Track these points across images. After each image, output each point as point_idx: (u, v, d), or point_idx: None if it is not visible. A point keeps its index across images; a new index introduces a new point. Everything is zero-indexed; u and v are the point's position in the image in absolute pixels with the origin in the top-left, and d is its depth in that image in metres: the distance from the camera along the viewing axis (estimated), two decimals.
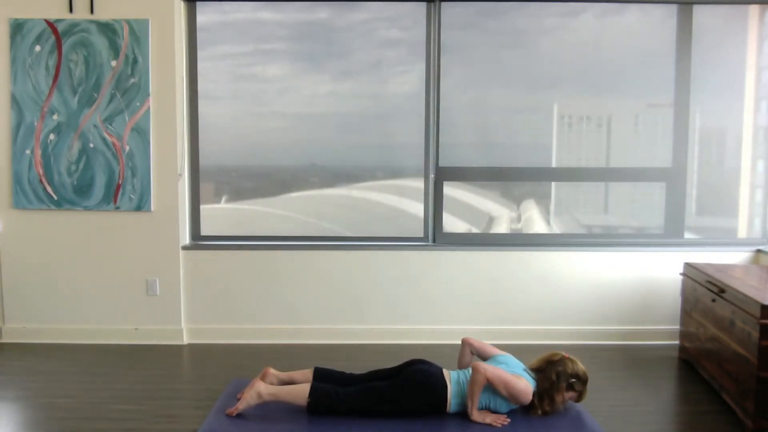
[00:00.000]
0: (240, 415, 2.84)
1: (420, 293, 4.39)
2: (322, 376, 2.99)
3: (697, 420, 3.24)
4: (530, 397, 2.85)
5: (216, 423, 2.80)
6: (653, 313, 4.37)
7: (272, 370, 3.05)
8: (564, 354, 2.98)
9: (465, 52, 4.39)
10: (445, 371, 2.93)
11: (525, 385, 2.83)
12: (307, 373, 3.03)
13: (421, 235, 4.46)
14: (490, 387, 2.81)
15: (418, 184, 4.43)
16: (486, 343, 3.16)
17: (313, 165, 4.54)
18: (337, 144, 4.48)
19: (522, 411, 2.90)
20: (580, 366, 2.95)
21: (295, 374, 3.06)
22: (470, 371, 2.87)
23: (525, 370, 2.94)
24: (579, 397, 2.96)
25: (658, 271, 4.34)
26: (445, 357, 3.48)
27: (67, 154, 4.19)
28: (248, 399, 2.84)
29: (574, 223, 4.60)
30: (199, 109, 4.36)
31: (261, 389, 2.84)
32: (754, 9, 4.36)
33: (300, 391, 2.84)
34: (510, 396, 2.81)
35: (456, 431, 2.77)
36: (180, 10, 4.21)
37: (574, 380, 2.89)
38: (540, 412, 2.87)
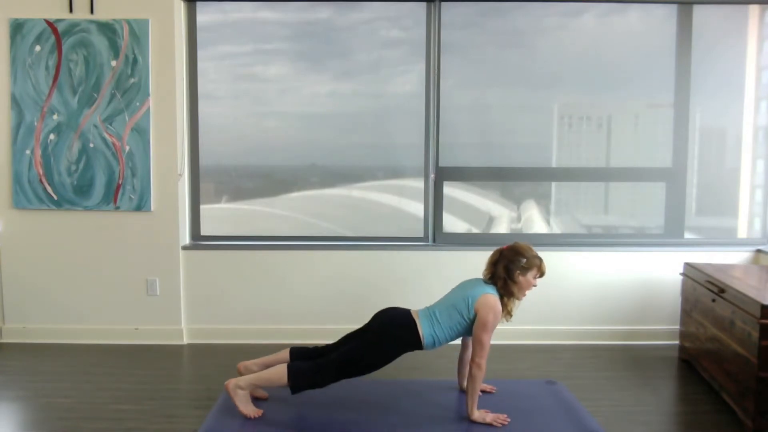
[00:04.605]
0: (240, 416, 2.83)
1: (420, 293, 4.37)
2: (298, 355, 2.96)
3: (697, 420, 3.24)
4: (500, 308, 2.79)
5: (216, 423, 2.79)
6: (653, 313, 4.37)
7: (244, 363, 3.00)
8: (500, 248, 2.91)
9: (465, 52, 4.39)
10: (413, 311, 2.91)
11: (491, 306, 2.76)
12: (282, 355, 2.99)
13: (421, 235, 4.46)
14: (469, 329, 2.80)
15: (418, 184, 4.43)
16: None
17: (313, 165, 4.54)
18: (337, 144, 4.48)
19: (523, 410, 2.89)
20: (519, 245, 2.86)
21: (270, 358, 3.01)
22: (439, 309, 2.87)
23: (484, 282, 2.89)
24: (540, 272, 2.86)
25: (658, 271, 4.34)
26: (445, 357, 3.48)
27: (67, 154, 4.19)
28: (236, 399, 2.81)
29: (574, 223, 4.60)
30: (199, 109, 4.36)
31: (238, 382, 2.80)
32: (754, 9, 4.36)
33: (278, 374, 2.77)
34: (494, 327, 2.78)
35: (456, 431, 2.77)
36: (180, 10, 4.21)
37: (523, 260, 2.81)
38: (510, 315, 2.84)
